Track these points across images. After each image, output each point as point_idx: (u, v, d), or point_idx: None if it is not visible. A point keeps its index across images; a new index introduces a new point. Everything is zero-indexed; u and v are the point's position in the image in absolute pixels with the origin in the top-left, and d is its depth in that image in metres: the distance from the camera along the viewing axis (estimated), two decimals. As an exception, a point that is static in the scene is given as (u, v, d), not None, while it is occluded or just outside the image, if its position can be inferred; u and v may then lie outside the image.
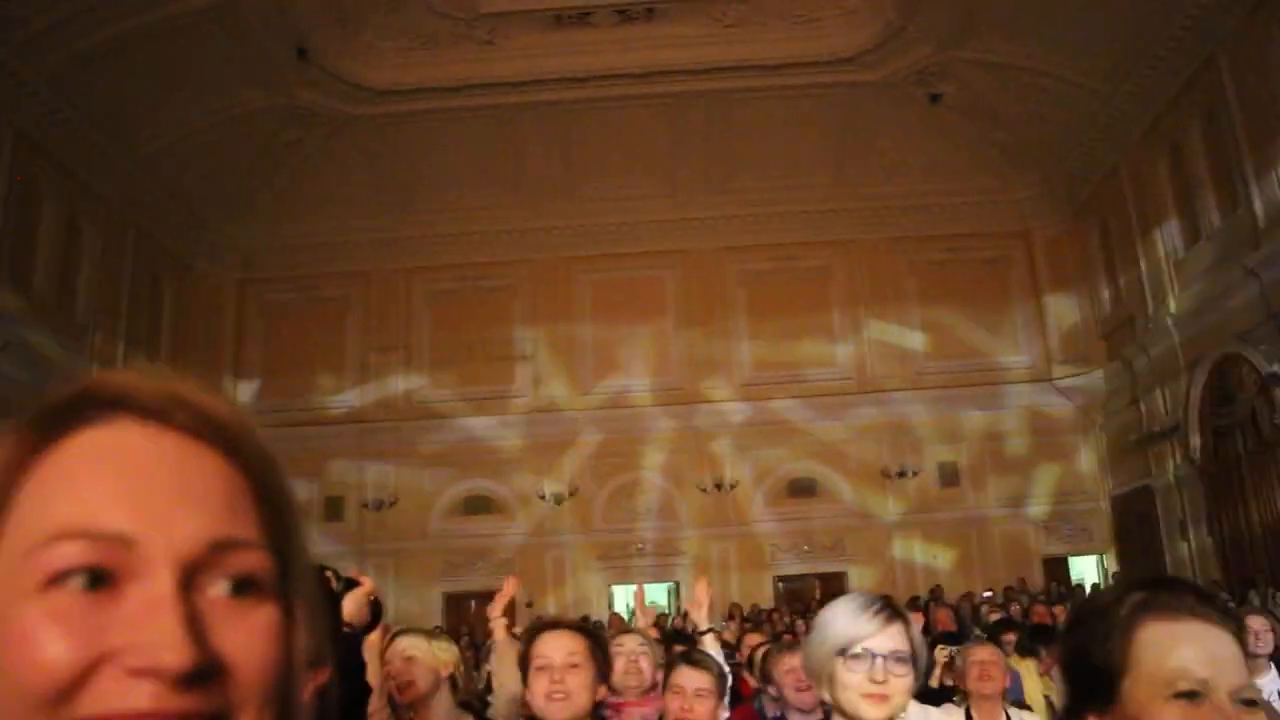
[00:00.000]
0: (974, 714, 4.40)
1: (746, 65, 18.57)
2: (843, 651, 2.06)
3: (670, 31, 18.13)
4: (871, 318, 20.86)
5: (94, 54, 15.61)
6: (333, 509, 20.23)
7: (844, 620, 2.11)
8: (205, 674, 0.54)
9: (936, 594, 17.30)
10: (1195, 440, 17.38)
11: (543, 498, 20.01)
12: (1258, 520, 15.95)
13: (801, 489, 20.29)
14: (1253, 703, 1.21)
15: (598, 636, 2.69)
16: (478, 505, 20.37)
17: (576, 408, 20.48)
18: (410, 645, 3.36)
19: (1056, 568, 19.96)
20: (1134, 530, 19.30)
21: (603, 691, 2.59)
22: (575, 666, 2.49)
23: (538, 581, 19.73)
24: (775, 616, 16.24)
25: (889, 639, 2.07)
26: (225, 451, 0.62)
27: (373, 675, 3.47)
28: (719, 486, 19.87)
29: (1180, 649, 1.23)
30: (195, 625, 0.55)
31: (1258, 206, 15.20)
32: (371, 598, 2.90)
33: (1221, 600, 1.37)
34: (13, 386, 14.62)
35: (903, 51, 18.40)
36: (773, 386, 20.37)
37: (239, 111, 18.32)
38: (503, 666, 4.50)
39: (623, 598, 19.49)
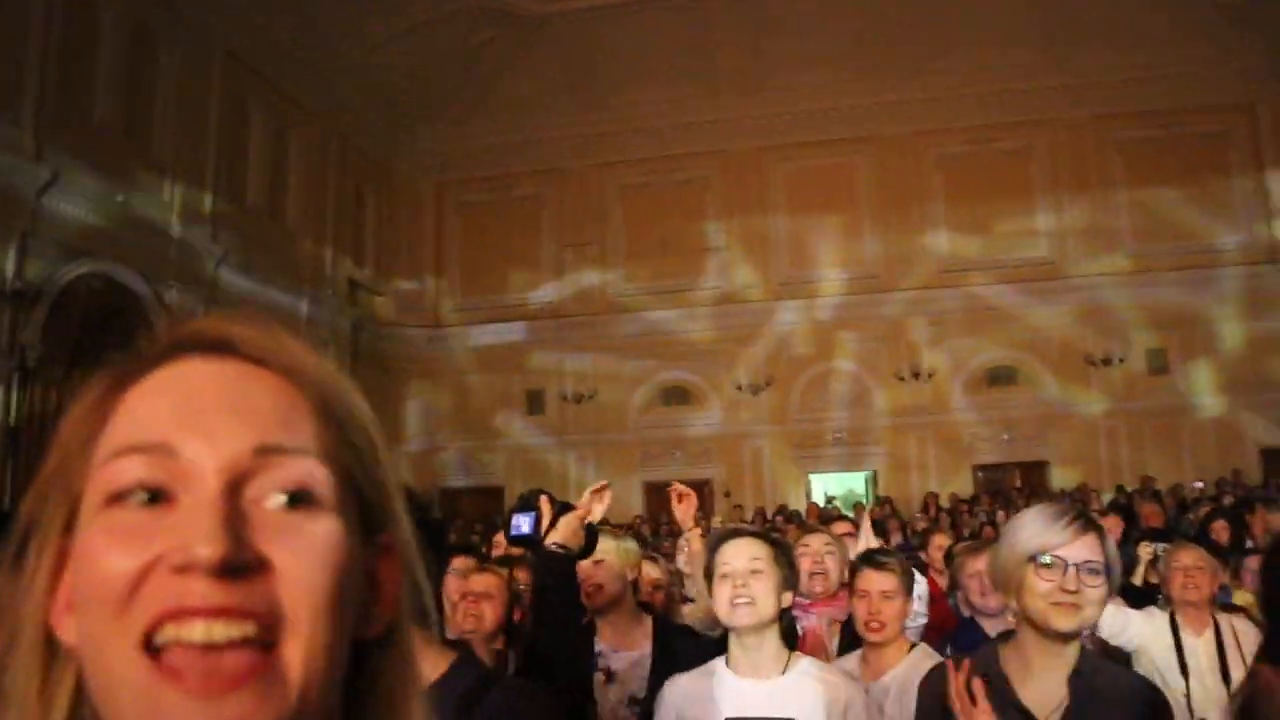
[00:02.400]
0: (1179, 619, 4.20)
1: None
2: (1034, 559, 2.05)
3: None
4: (1074, 200, 19.91)
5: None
6: (534, 402, 20.97)
7: (1036, 527, 2.09)
8: (245, 569, 0.56)
9: (1146, 484, 16.72)
10: None
11: (739, 388, 20.16)
12: None
13: (1001, 377, 19.82)
14: None
15: (781, 543, 2.71)
16: (674, 396, 20.71)
17: (770, 298, 20.45)
18: (599, 548, 3.33)
19: (1276, 460, 18.94)
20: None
21: (789, 598, 2.60)
22: (759, 573, 2.51)
23: (735, 471, 20.04)
24: (973, 508, 16.01)
25: (1083, 548, 2.04)
26: (285, 374, 0.64)
27: None
28: (916, 375, 19.60)
29: None
30: (235, 523, 0.57)
31: None
32: (585, 522, 2.97)
33: None
34: (233, 295, 15.64)
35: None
36: (970, 273, 19.85)
37: (434, 15, 18.69)
38: (700, 574, 4.52)
39: (820, 487, 19.59)
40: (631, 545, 3.62)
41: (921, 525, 12.57)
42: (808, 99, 20.26)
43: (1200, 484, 16.77)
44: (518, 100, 20.68)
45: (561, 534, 2.93)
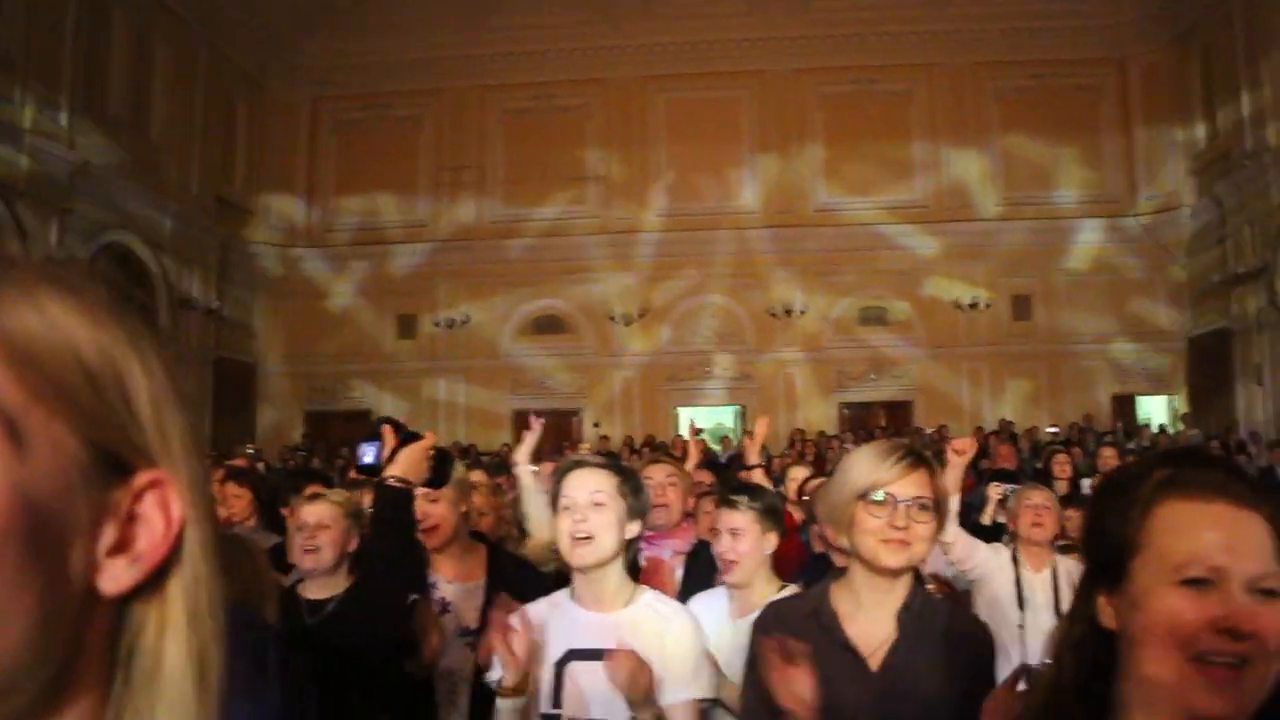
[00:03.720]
0: (1021, 557, 4.40)
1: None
2: (863, 496, 2.04)
3: None
4: (952, 145, 20.24)
5: None
6: (405, 326, 20.61)
7: (867, 465, 2.08)
8: None
9: (1004, 427, 17.26)
10: (1281, 283, 16.94)
11: (612, 318, 20.12)
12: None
13: (872, 317, 20.19)
14: (1273, 592, 1.09)
15: (628, 472, 2.60)
16: (548, 325, 20.57)
17: (648, 229, 20.35)
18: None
19: (1125, 406, 19.81)
20: (1207, 373, 19.00)
21: (636, 528, 2.52)
22: (600, 505, 2.44)
23: (605, 402, 20.06)
24: (837, 443, 16.32)
25: (912, 485, 2.04)
26: None
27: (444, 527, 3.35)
28: (789, 312, 19.80)
29: (1196, 532, 1.13)
30: None
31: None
32: (431, 453, 2.84)
33: (1255, 479, 1.24)
34: (91, 210, 14.93)
35: None
36: (847, 213, 20.07)
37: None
38: (532, 510, 4.42)
39: (689, 420, 19.71)
40: (465, 476, 3.50)
41: (784, 462, 12.75)
42: (692, 30, 20.09)
43: (1055, 428, 17.38)
44: (397, 16, 19.97)
45: (401, 465, 2.81)
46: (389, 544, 2.86)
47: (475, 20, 20.21)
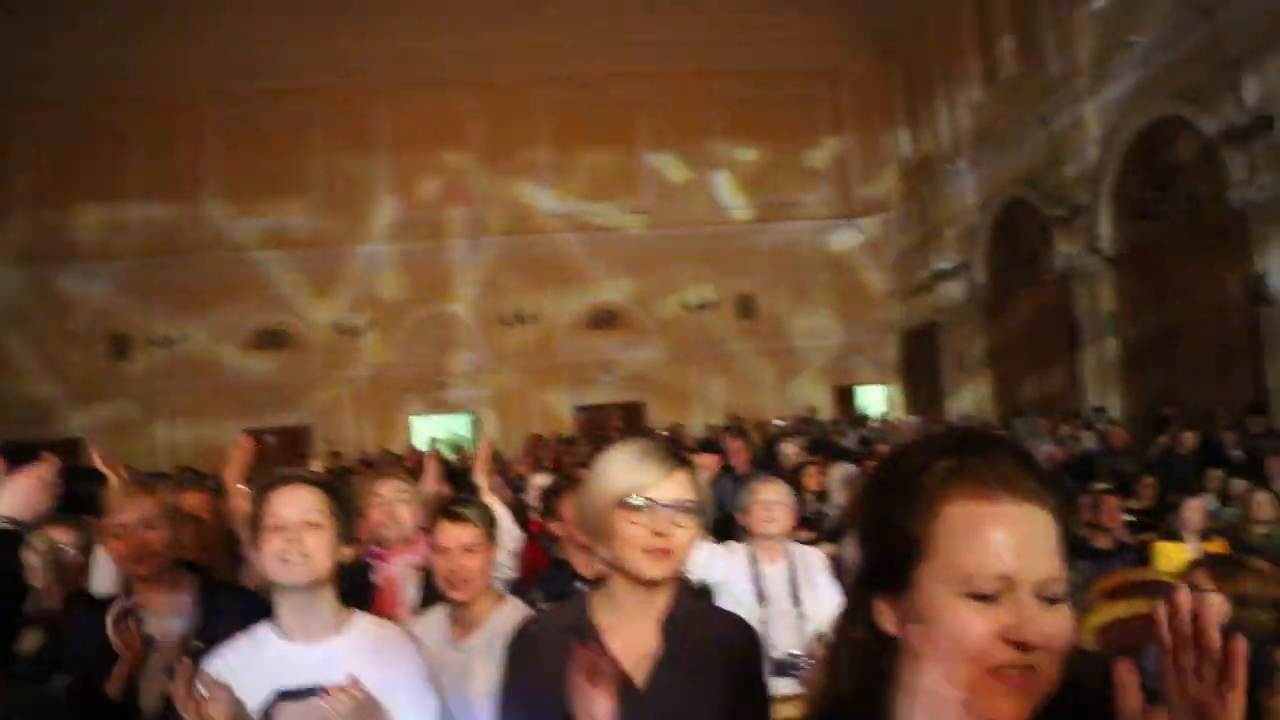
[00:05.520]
0: (755, 551, 4.36)
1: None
2: (622, 501, 1.88)
3: None
4: (675, 151, 20.79)
5: None
6: (118, 347, 19.30)
7: (624, 467, 1.91)
8: None
9: (734, 421, 17.68)
10: (979, 278, 18.21)
11: (341, 331, 19.52)
12: (1029, 356, 16.96)
13: (603, 321, 20.44)
14: (1059, 598, 1.07)
15: (340, 491, 2.42)
16: (273, 340, 19.75)
17: (377, 239, 19.90)
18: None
19: (846, 398, 20.87)
20: (918, 362, 20.30)
21: (347, 552, 2.36)
22: (315, 525, 2.26)
23: (335, 416, 19.47)
24: (574, 449, 16.32)
25: (674, 487, 1.88)
26: None
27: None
28: (520, 318, 19.79)
29: (984, 538, 1.06)
30: None
31: (1051, 57, 15.68)
32: (51, 481, 2.37)
33: (1043, 467, 1.15)
34: None
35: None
36: (576, 219, 20.25)
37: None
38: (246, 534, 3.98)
39: (424, 430, 19.41)
40: (173, 500, 3.14)
41: (522, 468, 12.64)
42: (419, 38, 19.69)
43: (782, 420, 18.02)
44: (106, 18, 18.42)
45: (9, 500, 2.36)
46: None
47: (185, 23, 18.95)
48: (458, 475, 11.60)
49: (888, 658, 1.15)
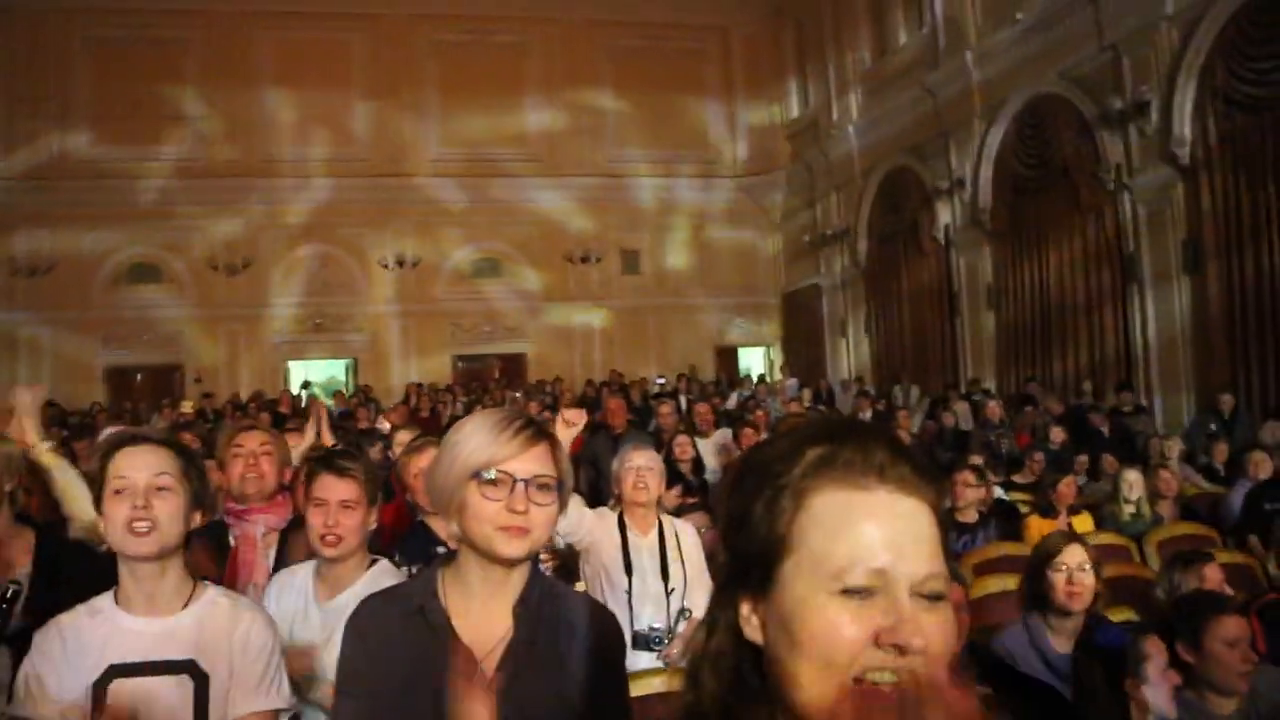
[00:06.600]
0: (627, 520, 4.29)
1: None
2: (476, 475, 1.75)
3: None
4: (563, 100, 20.53)
5: None
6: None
7: (480, 438, 1.77)
8: None
9: (614, 378, 17.69)
10: (862, 245, 18.45)
11: (215, 268, 18.92)
12: (908, 324, 17.26)
13: (485, 269, 20.23)
14: (938, 595, 0.98)
15: (190, 453, 2.26)
16: (145, 274, 19.04)
17: (253, 174, 19.17)
18: None
19: (728, 358, 21.02)
20: (800, 325, 20.56)
21: (199, 518, 2.21)
22: (164, 489, 2.11)
23: (208, 356, 18.94)
24: (449, 397, 16.13)
25: (533, 461, 1.76)
26: None
27: None
28: (400, 263, 19.45)
29: (855, 530, 0.98)
30: None
31: (940, 28, 15.87)
32: None
33: (919, 457, 1.05)
34: None
35: None
36: (460, 163, 19.89)
37: None
38: (68, 491, 3.52)
39: (299, 374, 19.01)
40: (12, 450, 3.03)
41: (393, 418, 12.35)
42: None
43: (663, 379, 18.07)
44: None
45: None
46: None
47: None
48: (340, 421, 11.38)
49: (754, 667, 1.04)
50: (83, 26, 18.81)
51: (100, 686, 2.05)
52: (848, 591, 0.95)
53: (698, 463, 7.88)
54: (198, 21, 19.11)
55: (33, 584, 2.73)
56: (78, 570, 2.42)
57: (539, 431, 1.80)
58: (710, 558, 4.36)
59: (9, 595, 2.61)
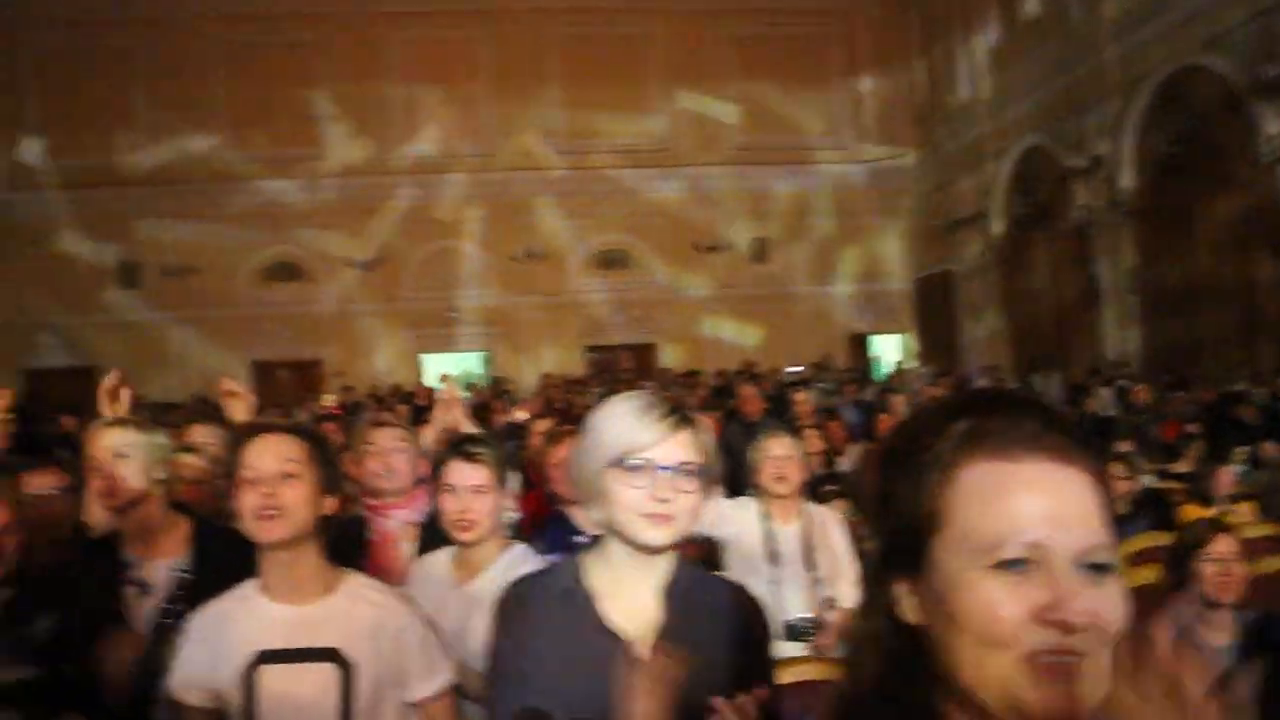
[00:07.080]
0: (769, 509, 4.23)
1: None
2: (619, 462, 1.75)
3: None
4: (687, 89, 20.46)
5: None
6: (127, 275, 19.16)
7: (622, 425, 1.76)
8: None
9: (747, 367, 17.52)
10: (997, 227, 18.00)
11: (352, 265, 19.42)
12: (1047, 307, 16.80)
13: (613, 260, 20.31)
14: (1104, 567, 0.92)
15: (321, 439, 2.32)
16: (284, 272, 19.61)
17: (384, 172, 19.60)
18: (122, 441, 2.89)
19: (860, 345, 20.74)
20: (933, 312, 20.16)
21: (332, 504, 2.25)
22: (292, 477, 2.16)
23: (347, 351, 19.44)
24: (584, 390, 16.21)
25: (676, 448, 1.75)
26: None
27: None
28: (530, 255, 19.65)
29: (1007, 502, 0.93)
30: None
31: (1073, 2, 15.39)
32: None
33: (1073, 425, 1.00)
34: None
35: None
36: (585, 156, 19.98)
37: None
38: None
39: (434, 367, 19.37)
40: (162, 439, 3.05)
41: (529, 409, 12.43)
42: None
43: (798, 368, 17.89)
44: None
45: None
46: None
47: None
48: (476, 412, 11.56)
49: (914, 649, 1.01)
50: (220, 34, 19.41)
51: (249, 672, 2.11)
52: (1001, 566, 0.92)
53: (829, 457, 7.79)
54: (328, 26, 19.57)
55: (192, 570, 2.84)
56: (235, 557, 2.51)
57: (683, 417, 1.79)
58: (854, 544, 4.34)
59: (179, 584, 2.73)
